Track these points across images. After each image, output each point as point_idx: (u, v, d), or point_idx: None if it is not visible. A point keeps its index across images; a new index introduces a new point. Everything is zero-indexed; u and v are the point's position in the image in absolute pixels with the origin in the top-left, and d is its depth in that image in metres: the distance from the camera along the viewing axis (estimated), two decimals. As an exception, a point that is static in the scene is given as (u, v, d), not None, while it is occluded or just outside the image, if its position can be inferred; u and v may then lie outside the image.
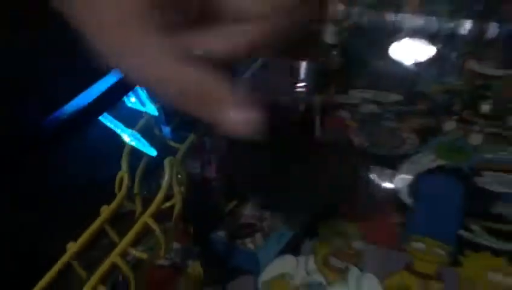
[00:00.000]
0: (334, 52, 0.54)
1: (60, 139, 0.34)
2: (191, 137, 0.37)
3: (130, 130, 0.39)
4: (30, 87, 0.34)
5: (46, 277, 0.26)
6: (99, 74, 0.38)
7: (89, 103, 0.39)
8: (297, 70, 0.51)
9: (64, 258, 0.27)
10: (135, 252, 0.29)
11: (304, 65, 0.51)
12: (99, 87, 0.40)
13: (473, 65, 0.58)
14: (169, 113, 0.37)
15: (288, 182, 0.41)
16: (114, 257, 0.27)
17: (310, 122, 0.50)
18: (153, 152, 0.40)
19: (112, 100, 0.39)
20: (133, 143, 0.44)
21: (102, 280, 0.28)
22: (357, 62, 0.57)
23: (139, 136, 0.44)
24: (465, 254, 0.36)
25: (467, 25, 0.62)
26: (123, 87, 0.39)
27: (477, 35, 0.61)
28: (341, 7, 0.54)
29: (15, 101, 0.33)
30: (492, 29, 0.61)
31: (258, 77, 0.47)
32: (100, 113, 0.40)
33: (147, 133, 0.38)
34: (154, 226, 0.29)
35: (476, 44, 0.61)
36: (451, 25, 0.62)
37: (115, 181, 0.34)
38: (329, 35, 0.54)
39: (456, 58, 0.59)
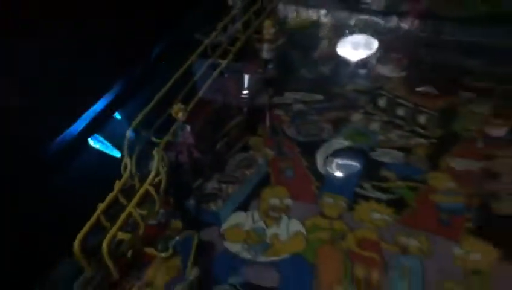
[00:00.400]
0: (270, 66, 0.71)
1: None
2: (168, 135, 0.53)
3: (95, 135, 0.55)
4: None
5: (85, 226, 0.42)
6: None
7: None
8: (243, 81, 0.68)
9: (97, 213, 0.43)
10: (139, 211, 0.45)
11: (247, 77, 0.68)
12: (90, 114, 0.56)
13: (378, 69, 0.77)
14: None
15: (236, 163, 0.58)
16: (130, 209, 0.43)
17: (254, 118, 0.67)
18: (116, 153, 0.56)
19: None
20: (97, 146, 0.60)
21: (120, 228, 0.44)
22: (288, 72, 0.75)
23: (102, 139, 0.61)
24: (358, 202, 0.54)
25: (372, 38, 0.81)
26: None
27: (383, 43, 0.79)
28: (273, 30, 0.71)
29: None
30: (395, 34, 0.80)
31: (216, 83, 0.63)
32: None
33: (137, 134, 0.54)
34: (152, 190, 0.45)
35: (383, 51, 0.79)
36: (363, 38, 0.81)
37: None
38: (265, 52, 0.71)
39: (364, 65, 0.77)
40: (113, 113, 0.66)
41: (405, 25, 0.83)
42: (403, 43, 0.78)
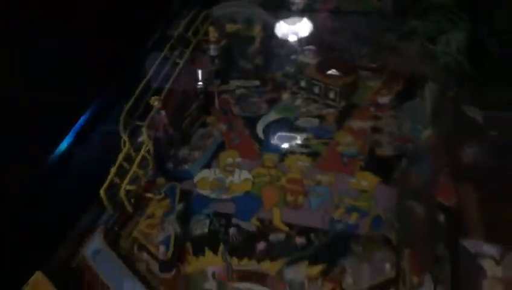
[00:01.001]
0: (216, 61, 0.94)
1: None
2: (148, 119, 0.75)
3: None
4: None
5: (107, 180, 0.63)
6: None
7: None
8: (197, 75, 0.90)
9: (113, 171, 0.64)
10: (138, 170, 0.67)
11: (200, 71, 0.90)
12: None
13: (299, 58, 1.00)
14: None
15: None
16: (134, 168, 0.64)
17: (208, 102, 0.89)
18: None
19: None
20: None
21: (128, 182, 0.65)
22: (230, 65, 0.97)
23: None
24: (287, 156, 0.78)
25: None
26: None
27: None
28: (216, 34, 0.93)
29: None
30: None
31: (178, 77, 0.84)
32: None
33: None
34: (146, 155, 0.66)
35: (303, 43, 1.02)
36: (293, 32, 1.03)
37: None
38: (212, 51, 0.93)
39: (288, 56, 1.00)
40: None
41: (318, 20, 1.06)
42: (317, 36, 1.02)
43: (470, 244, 0.58)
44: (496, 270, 0.56)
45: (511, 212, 0.59)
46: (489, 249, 0.57)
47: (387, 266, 0.57)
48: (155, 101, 0.74)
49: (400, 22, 1.03)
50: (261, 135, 0.83)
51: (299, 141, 0.81)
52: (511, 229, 0.58)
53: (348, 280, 0.56)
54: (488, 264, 0.56)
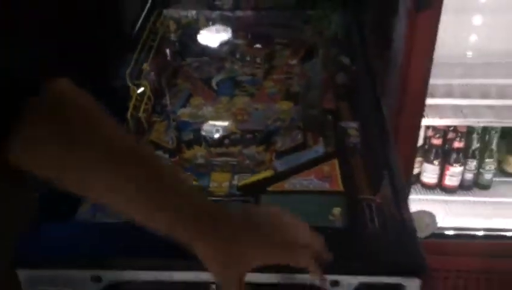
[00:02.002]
0: (177, 44, 1.37)
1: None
2: (143, 78, 1.16)
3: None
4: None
5: (129, 109, 1.04)
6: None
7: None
8: (166, 54, 1.32)
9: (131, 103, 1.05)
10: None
11: (168, 51, 1.32)
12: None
13: (236, 40, 1.45)
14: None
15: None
16: (144, 102, 1.06)
17: (175, 71, 1.31)
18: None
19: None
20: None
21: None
22: (186, 47, 1.41)
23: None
24: (234, 98, 1.23)
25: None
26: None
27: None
28: (175, 26, 1.36)
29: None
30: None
31: (155, 55, 1.26)
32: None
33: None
34: (150, 95, 1.08)
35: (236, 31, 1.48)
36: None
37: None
38: (172, 37, 1.36)
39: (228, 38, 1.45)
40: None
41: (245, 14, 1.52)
42: (246, 26, 1.48)
43: (344, 124, 1.06)
44: (356, 134, 1.03)
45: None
46: (352, 124, 1.05)
47: (299, 136, 1.03)
48: (146, 67, 1.16)
49: (301, 12, 1.51)
50: (215, 88, 1.27)
51: (240, 88, 1.26)
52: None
53: (278, 145, 1.02)
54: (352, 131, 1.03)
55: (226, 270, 0.58)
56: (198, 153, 1.02)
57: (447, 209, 1.66)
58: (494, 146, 1.64)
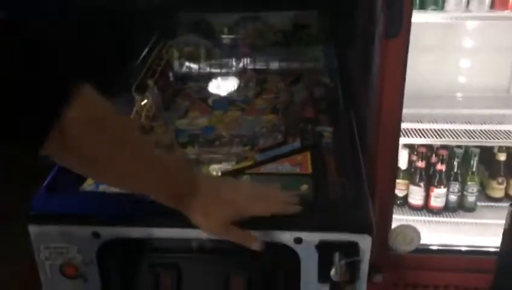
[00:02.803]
0: (178, 71, 1.56)
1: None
2: (148, 92, 1.34)
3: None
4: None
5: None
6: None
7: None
8: (169, 77, 1.51)
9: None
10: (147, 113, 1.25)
11: (171, 74, 1.51)
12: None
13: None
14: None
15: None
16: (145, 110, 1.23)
17: (176, 92, 1.50)
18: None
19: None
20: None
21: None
22: (188, 73, 1.60)
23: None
24: (227, 112, 1.40)
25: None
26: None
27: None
28: (177, 54, 1.56)
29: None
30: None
31: (160, 76, 1.45)
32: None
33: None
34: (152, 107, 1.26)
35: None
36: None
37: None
38: (175, 64, 1.56)
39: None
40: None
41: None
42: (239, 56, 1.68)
43: (320, 128, 1.21)
44: (330, 136, 1.18)
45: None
46: (328, 128, 1.19)
47: (279, 136, 1.18)
48: (151, 83, 1.35)
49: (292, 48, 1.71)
50: (211, 104, 1.45)
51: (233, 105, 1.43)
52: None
53: (261, 144, 1.17)
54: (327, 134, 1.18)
55: (211, 222, 0.72)
56: (191, 152, 1.17)
57: (433, 229, 1.76)
58: (474, 169, 1.76)
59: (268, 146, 1.16)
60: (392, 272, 1.61)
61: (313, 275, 0.87)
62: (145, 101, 1.30)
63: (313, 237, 0.85)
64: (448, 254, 1.62)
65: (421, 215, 1.79)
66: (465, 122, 1.72)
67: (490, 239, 1.67)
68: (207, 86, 1.56)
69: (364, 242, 0.84)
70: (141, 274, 0.89)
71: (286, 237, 0.85)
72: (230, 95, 1.50)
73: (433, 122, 1.73)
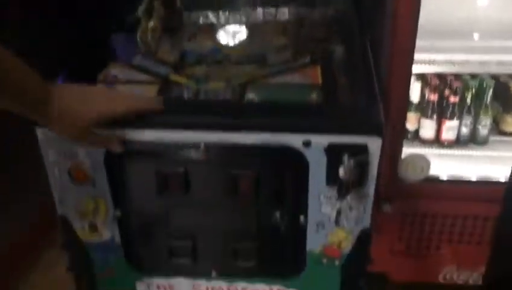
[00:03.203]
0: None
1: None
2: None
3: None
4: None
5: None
6: None
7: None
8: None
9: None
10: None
11: None
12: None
13: None
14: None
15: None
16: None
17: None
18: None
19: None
20: None
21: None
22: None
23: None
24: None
25: None
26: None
27: None
28: None
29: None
30: None
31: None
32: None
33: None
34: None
35: None
36: None
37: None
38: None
39: None
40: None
41: None
42: None
43: (332, 46, 1.17)
44: (341, 53, 1.15)
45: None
46: (339, 47, 1.16)
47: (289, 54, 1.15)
48: (158, 5, 1.31)
49: None
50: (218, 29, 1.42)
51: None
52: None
53: (270, 61, 1.14)
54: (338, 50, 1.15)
55: (68, 129, 0.75)
56: (199, 71, 1.16)
57: (444, 162, 1.75)
58: (488, 102, 1.73)
59: (278, 62, 1.14)
60: (401, 202, 1.61)
61: (321, 179, 0.86)
62: (152, 23, 1.28)
63: (322, 140, 0.84)
64: (458, 184, 1.62)
65: (432, 148, 1.77)
66: (481, 53, 1.67)
67: (501, 169, 1.66)
68: (214, 10, 1.52)
69: (374, 144, 0.84)
70: (149, 178, 0.89)
71: (295, 140, 0.84)
72: (238, 18, 1.47)
73: (448, 53, 1.69)
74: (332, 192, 0.86)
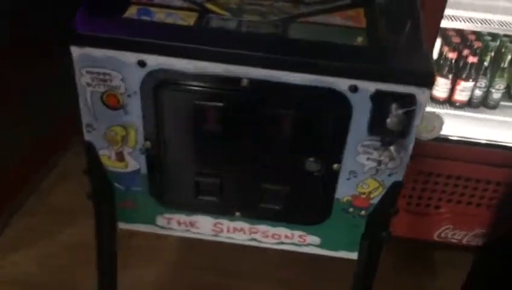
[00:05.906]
0: None
1: None
2: None
3: None
4: None
5: None
6: None
7: None
8: None
9: None
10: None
11: None
12: None
13: None
14: None
15: None
16: None
17: None
18: None
19: None
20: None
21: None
22: None
23: None
24: None
25: None
26: None
27: None
28: None
29: None
30: None
31: None
32: None
33: None
34: None
35: None
36: None
37: None
38: None
39: None
40: None
41: None
42: None
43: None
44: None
45: None
46: None
47: None
48: None
49: None
50: None
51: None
52: None
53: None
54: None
55: None
56: (233, 2, 1.12)
57: (454, 123, 1.77)
58: (506, 65, 1.74)
59: (314, 1, 1.10)
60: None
61: (362, 127, 0.87)
62: None
63: (369, 86, 0.84)
64: (465, 145, 1.65)
65: (443, 108, 1.79)
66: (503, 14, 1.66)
67: (509, 135, 1.70)
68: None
69: (423, 95, 0.83)
70: (185, 111, 0.88)
71: (341, 83, 0.83)
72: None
73: (470, 11, 1.67)
74: (371, 141, 0.86)
